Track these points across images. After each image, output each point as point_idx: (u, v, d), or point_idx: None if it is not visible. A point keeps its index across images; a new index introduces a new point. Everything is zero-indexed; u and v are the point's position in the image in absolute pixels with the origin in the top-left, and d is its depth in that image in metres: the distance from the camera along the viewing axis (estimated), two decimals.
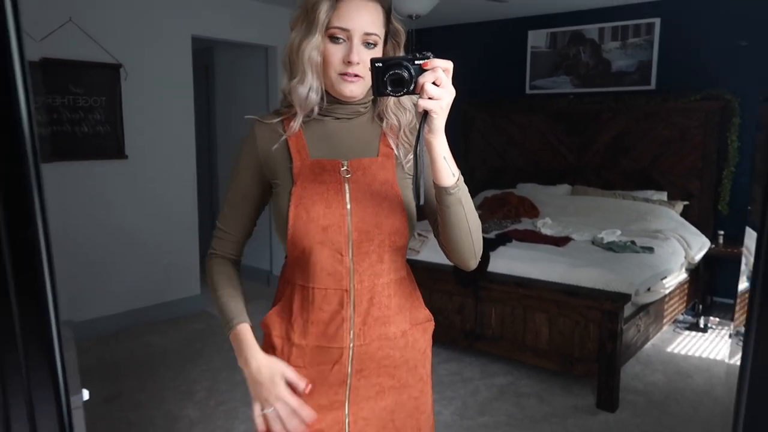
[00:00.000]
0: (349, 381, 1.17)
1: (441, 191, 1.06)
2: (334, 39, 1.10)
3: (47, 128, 3.71)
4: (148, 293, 4.34)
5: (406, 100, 1.19)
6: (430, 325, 1.29)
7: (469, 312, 3.51)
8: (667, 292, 3.66)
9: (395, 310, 1.19)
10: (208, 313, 4.56)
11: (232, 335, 1.19)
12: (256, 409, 1.19)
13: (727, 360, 3.56)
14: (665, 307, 3.76)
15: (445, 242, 1.15)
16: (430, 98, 0.96)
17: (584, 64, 4.93)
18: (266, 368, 1.16)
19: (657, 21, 4.52)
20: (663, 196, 4.44)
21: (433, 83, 0.96)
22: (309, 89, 1.13)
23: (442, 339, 3.65)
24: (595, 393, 3.09)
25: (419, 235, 3.84)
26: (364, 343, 1.16)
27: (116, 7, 3.96)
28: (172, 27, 4.27)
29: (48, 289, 0.75)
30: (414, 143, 1.05)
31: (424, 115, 0.98)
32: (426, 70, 0.97)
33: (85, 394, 1.29)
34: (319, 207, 1.12)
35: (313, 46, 1.10)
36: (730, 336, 3.93)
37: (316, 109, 1.17)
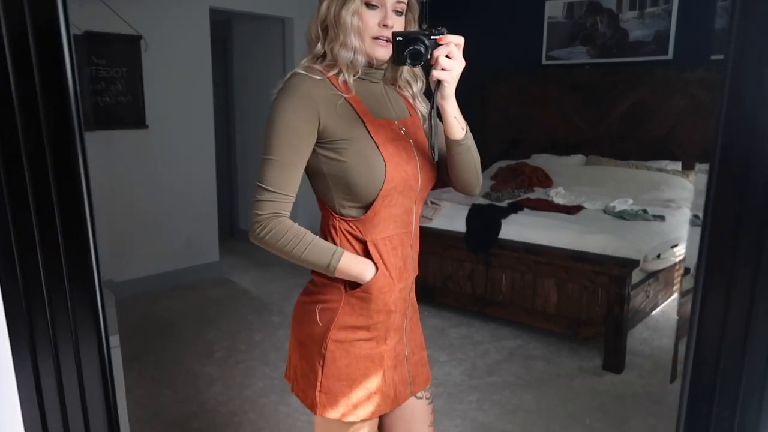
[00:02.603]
0: (408, 310, 1.36)
1: (453, 143, 1.24)
2: (369, 6, 1.20)
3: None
4: (169, 259, 4.48)
5: (418, 69, 1.34)
6: None
7: (479, 278, 3.60)
8: (677, 259, 3.70)
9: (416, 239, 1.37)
10: (226, 279, 4.70)
11: (342, 263, 1.20)
12: None
13: None
14: (675, 274, 3.80)
15: (456, 179, 1.33)
16: (443, 69, 1.12)
17: (601, 34, 4.90)
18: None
19: None
20: (677, 166, 4.44)
21: (446, 56, 1.12)
22: (354, 52, 1.21)
23: (453, 304, 3.75)
24: (602, 356, 3.16)
25: (432, 203, 3.91)
26: (415, 275, 1.36)
27: None
28: None
29: (90, 238, 0.84)
30: (429, 108, 1.20)
31: (438, 84, 1.14)
32: (440, 45, 1.12)
33: (115, 340, 1.40)
34: (403, 161, 1.23)
35: (353, 11, 1.19)
36: None
37: (360, 71, 1.25)
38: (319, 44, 1.24)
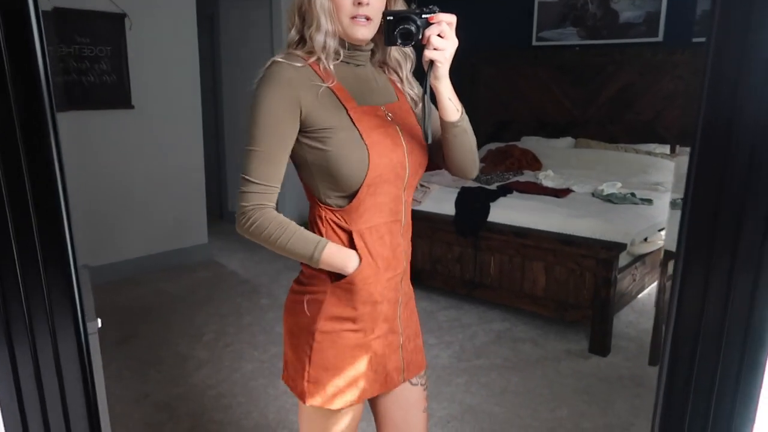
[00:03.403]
0: (400, 299, 1.33)
1: (448, 125, 1.21)
2: None
3: (58, 78, 3.75)
4: (157, 241, 4.45)
5: (409, 49, 1.29)
6: None
7: (468, 261, 3.60)
8: (664, 243, 3.72)
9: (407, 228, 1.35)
10: (215, 261, 4.69)
11: (325, 254, 1.19)
12: None
13: None
14: (661, 258, 3.82)
15: (451, 162, 1.30)
16: (435, 49, 1.09)
17: (591, 15, 4.87)
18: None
19: None
20: (666, 149, 4.45)
21: (438, 35, 1.08)
22: (325, 35, 1.16)
23: (441, 287, 3.76)
24: (589, 338, 3.19)
25: (421, 185, 3.89)
26: (408, 263, 1.33)
27: None
28: None
29: (65, 223, 0.83)
30: (422, 90, 1.15)
31: (431, 64, 1.11)
32: (432, 24, 1.09)
33: (97, 324, 1.38)
34: (388, 149, 1.19)
35: None
36: None
37: (342, 54, 1.20)
38: (293, 30, 1.21)
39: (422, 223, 3.62)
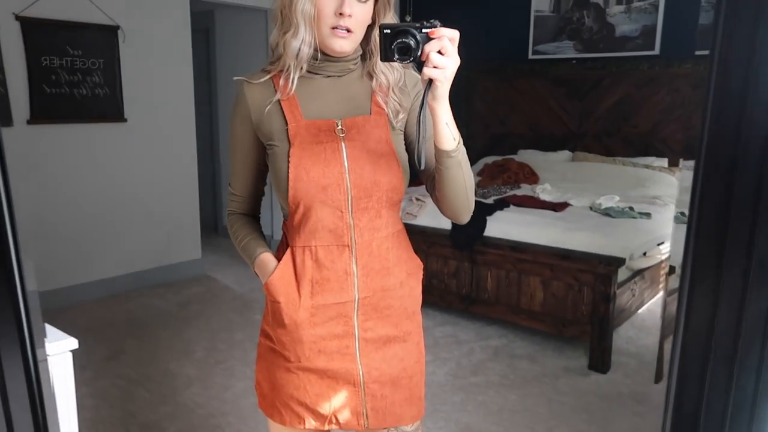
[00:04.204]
0: (356, 333, 1.22)
1: (442, 154, 1.10)
2: None
3: (50, 89, 3.71)
4: (149, 256, 4.39)
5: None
6: (421, 272, 1.35)
7: (465, 276, 3.55)
8: (663, 257, 3.67)
9: (394, 262, 1.23)
10: (208, 276, 4.62)
11: (256, 266, 1.26)
12: None
13: None
14: (661, 272, 3.77)
15: (441, 198, 1.19)
16: (435, 67, 0.98)
17: (588, 29, 4.86)
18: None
19: None
20: (664, 162, 4.42)
21: (439, 52, 0.98)
22: (301, 42, 1.12)
23: (438, 302, 3.70)
24: (588, 355, 3.13)
25: (417, 199, 3.85)
26: (368, 295, 1.21)
27: None
28: None
29: (11, 248, 0.76)
30: (418, 110, 1.06)
31: (429, 83, 1.01)
32: (432, 39, 0.99)
33: (74, 343, 1.32)
34: (317, 167, 1.14)
35: None
36: None
37: (305, 66, 1.17)
38: (275, 31, 1.17)
39: (418, 237, 3.57)
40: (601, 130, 4.80)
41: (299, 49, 1.13)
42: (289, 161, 1.14)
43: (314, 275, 1.19)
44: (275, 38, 1.18)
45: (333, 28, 1.11)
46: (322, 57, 1.17)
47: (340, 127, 1.17)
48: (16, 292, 0.67)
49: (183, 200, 4.55)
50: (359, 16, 1.12)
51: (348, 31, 1.12)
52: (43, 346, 1.24)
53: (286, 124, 1.16)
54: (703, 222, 0.71)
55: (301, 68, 1.17)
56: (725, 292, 0.65)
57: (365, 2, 1.13)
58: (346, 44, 1.14)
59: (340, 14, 1.10)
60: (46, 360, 1.24)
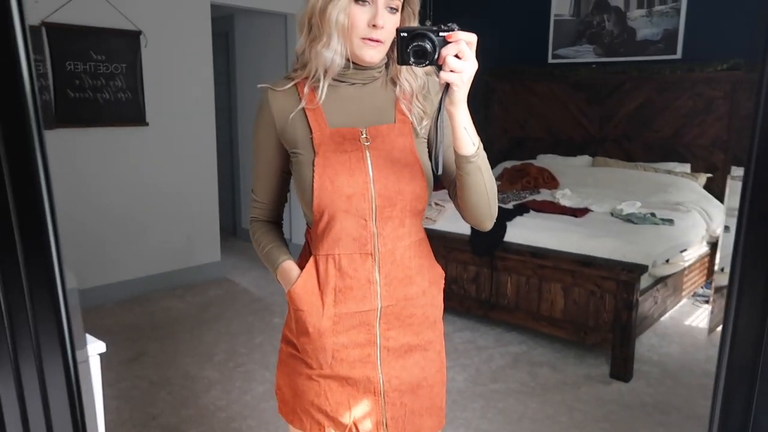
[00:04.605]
0: (378, 341, 1.22)
1: (461, 159, 1.09)
2: (359, 2, 1.10)
3: (70, 95, 3.76)
4: (169, 258, 4.42)
5: (420, 69, 1.20)
6: (443, 281, 1.34)
7: (484, 281, 3.53)
8: (686, 264, 3.63)
9: (416, 270, 1.23)
10: (227, 279, 4.64)
11: (278, 274, 1.26)
12: None
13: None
14: (684, 279, 3.73)
15: (463, 205, 1.18)
16: (452, 71, 0.98)
17: (608, 33, 4.82)
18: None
19: None
20: (686, 168, 4.36)
21: (456, 56, 0.97)
22: (334, 53, 1.12)
23: (457, 308, 3.69)
24: (609, 363, 3.10)
25: (436, 204, 3.84)
26: (391, 304, 1.20)
27: None
28: None
29: (53, 250, 0.77)
30: (435, 114, 1.06)
31: (446, 87, 1.00)
32: (449, 42, 0.98)
33: (102, 347, 1.33)
34: (342, 176, 1.13)
35: (340, 8, 1.09)
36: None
37: (342, 72, 1.17)
38: (302, 38, 1.17)
39: (437, 242, 3.55)
40: (622, 134, 4.76)
41: (332, 60, 1.13)
42: (313, 170, 1.14)
43: (337, 283, 1.19)
44: (302, 46, 1.18)
45: (364, 38, 1.11)
46: (349, 65, 1.17)
47: (364, 135, 1.17)
48: (57, 293, 0.67)
49: (203, 203, 4.59)
50: (389, 26, 1.12)
51: (378, 41, 1.12)
52: (84, 346, 1.25)
53: (311, 132, 1.16)
54: (752, 231, 0.69)
55: (331, 76, 1.17)
56: None
57: (395, 14, 1.13)
58: (376, 54, 1.14)
59: (374, 26, 1.10)
60: (87, 361, 1.25)
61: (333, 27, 1.10)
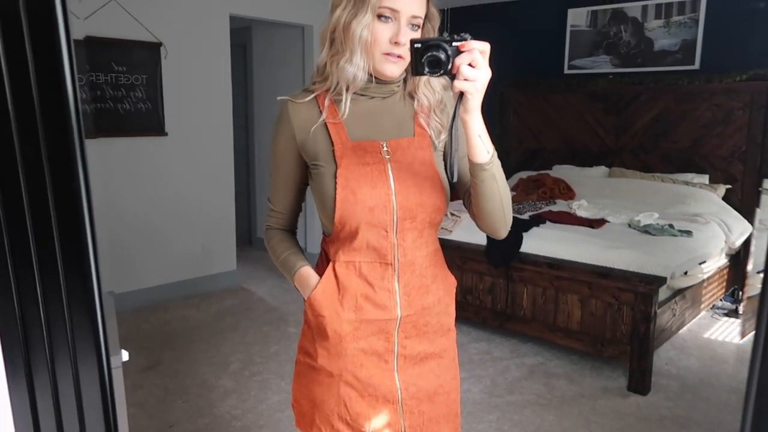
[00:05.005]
0: (396, 349, 1.23)
1: (476, 167, 1.10)
2: (382, 18, 1.12)
3: (91, 105, 3.83)
4: (186, 267, 4.46)
5: (435, 80, 1.22)
6: (455, 288, 1.36)
7: (500, 292, 3.51)
8: (705, 276, 3.59)
9: (431, 280, 1.25)
10: (243, 288, 4.67)
11: (296, 280, 1.28)
12: None
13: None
14: (703, 292, 3.68)
15: (478, 213, 1.19)
16: (465, 79, 0.99)
17: (625, 43, 4.81)
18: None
19: None
20: (704, 179, 4.32)
21: (469, 65, 0.99)
22: (357, 68, 1.14)
23: (472, 318, 3.67)
24: (627, 376, 3.06)
25: (452, 214, 3.84)
26: (410, 314, 1.22)
27: None
28: (211, 6, 4.33)
29: (91, 256, 0.79)
30: (450, 122, 1.07)
31: (460, 96, 1.02)
32: (463, 52, 0.99)
33: (125, 355, 1.35)
34: (365, 189, 1.15)
35: (364, 25, 1.11)
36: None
37: (363, 87, 1.18)
38: (324, 52, 1.19)
39: (453, 252, 3.55)
40: (639, 145, 4.73)
41: (355, 75, 1.15)
42: (336, 182, 1.15)
43: (357, 290, 1.20)
44: (323, 59, 1.20)
45: (386, 53, 1.13)
46: (370, 79, 1.18)
47: (386, 148, 1.18)
48: (94, 302, 0.69)
49: (219, 212, 4.62)
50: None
51: (399, 57, 1.14)
52: (118, 353, 1.27)
53: (332, 144, 1.17)
54: None
55: (355, 89, 1.18)
56: None
57: (417, 30, 1.15)
58: (397, 69, 1.16)
59: (396, 43, 1.12)
60: (120, 367, 1.27)
61: (356, 43, 1.12)
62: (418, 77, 1.19)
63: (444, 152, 1.25)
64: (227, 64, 4.51)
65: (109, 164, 3.96)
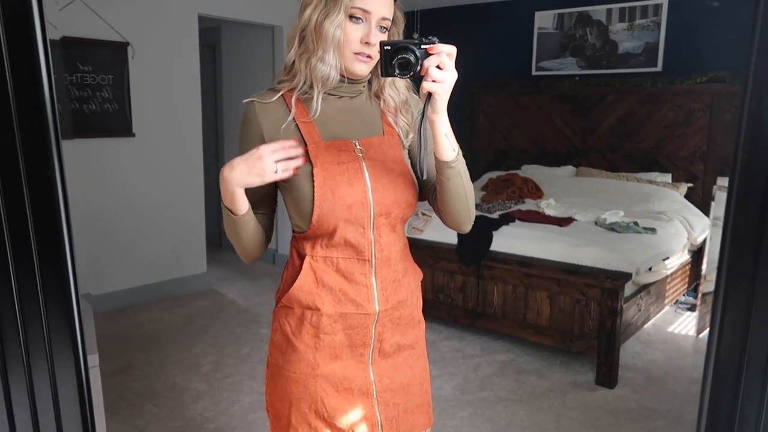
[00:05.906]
0: (372, 343, 1.25)
1: (442, 165, 1.14)
2: (353, 18, 1.14)
3: (60, 105, 3.75)
4: (156, 270, 4.40)
5: (399, 81, 1.26)
6: (420, 280, 1.38)
7: (471, 290, 3.56)
8: (668, 272, 3.69)
9: (403, 273, 1.28)
10: (214, 291, 4.63)
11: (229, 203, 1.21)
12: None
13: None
14: (667, 287, 3.79)
15: (443, 208, 1.23)
16: (434, 81, 1.03)
17: (591, 46, 4.91)
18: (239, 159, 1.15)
19: (665, 2, 4.50)
20: (667, 178, 4.45)
21: (437, 67, 1.03)
22: (329, 67, 1.16)
23: (444, 317, 3.71)
24: (595, 370, 3.13)
25: (423, 214, 3.87)
26: (387, 308, 1.24)
27: None
28: (179, 5, 4.28)
29: (68, 256, 0.79)
30: (418, 122, 1.11)
31: (429, 97, 1.05)
32: (431, 54, 1.03)
33: (94, 359, 1.34)
34: (342, 187, 1.16)
35: (336, 24, 1.13)
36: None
37: (334, 86, 1.20)
38: (292, 51, 1.20)
39: (424, 251, 3.59)
40: (605, 145, 4.84)
41: (328, 74, 1.16)
42: (313, 181, 1.16)
43: (337, 284, 1.21)
44: (291, 58, 1.21)
45: (356, 53, 1.16)
46: (343, 80, 1.20)
47: (359, 147, 1.20)
48: (71, 301, 0.69)
49: (189, 214, 4.58)
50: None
51: (369, 57, 1.16)
52: (95, 351, 1.26)
53: (305, 144, 1.18)
54: (738, 236, 0.72)
55: (325, 89, 1.20)
56: (758, 305, 0.67)
57: (385, 32, 1.18)
58: (366, 68, 1.19)
59: (366, 43, 1.15)
60: (97, 366, 1.26)
61: (329, 41, 1.14)
62: (383, 80, 1.23)
63: (412, 150, 1.28)
64: (196, 64, 4.47)
65: (76, 166, 3.89)
